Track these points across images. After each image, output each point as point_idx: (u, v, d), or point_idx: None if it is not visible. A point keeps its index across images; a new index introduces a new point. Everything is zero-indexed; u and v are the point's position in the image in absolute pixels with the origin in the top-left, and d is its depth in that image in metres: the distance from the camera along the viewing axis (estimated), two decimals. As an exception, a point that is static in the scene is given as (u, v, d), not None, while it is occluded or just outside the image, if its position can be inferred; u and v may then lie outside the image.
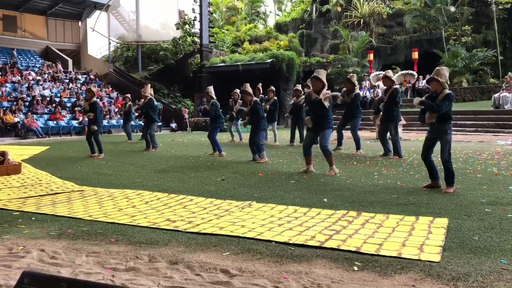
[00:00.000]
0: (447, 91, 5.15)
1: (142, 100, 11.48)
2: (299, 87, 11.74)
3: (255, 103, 8.23)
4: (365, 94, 20.08)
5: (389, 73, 8.90)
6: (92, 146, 9.41)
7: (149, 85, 12.09)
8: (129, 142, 13.68)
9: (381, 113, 8.74)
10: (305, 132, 11.76)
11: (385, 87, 9.05)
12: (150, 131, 10.89)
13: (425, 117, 5.22)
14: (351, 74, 10.49)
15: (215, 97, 9.47)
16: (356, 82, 9.73)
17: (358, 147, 9.25)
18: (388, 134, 8.65)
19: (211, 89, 9.62)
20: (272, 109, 12.05)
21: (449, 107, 5.11)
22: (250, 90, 8.46)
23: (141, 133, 12.72)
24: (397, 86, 8.73)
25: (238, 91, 11.95)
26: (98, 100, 10.51)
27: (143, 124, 12.73)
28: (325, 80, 6.54)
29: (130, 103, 14.48)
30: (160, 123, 21.54)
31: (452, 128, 5.37)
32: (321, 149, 6.66)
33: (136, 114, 15.39)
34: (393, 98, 8.39)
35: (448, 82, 5.26)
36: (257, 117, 8.18)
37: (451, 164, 5.13)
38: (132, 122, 15.20)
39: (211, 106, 9.31)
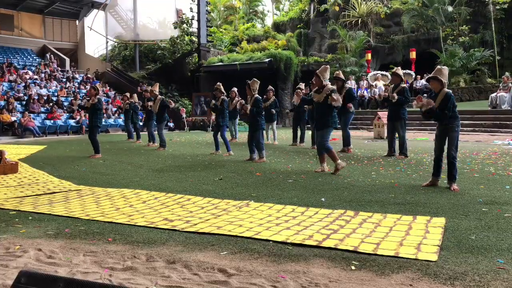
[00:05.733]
0: (445, 90, 5.24)
1: (149, 99, 11.51)
2: (302, 85, 11.52)
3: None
4: (363, 93, 20.12)
5: (399, 70, 8.69)
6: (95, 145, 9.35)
7: (158, 84, 11.96)
8: (131, 141, 13.76)
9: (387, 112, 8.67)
10: (307, 132, 11.80)
11: (392, 85, 8.88)
12: (159, 130, 11.05)
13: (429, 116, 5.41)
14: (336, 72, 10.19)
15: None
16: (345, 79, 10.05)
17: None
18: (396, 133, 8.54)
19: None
20: (271, 109, 11.98)
21: (452, 107, 5.19)
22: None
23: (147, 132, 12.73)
24: (405, 85, 8.59)
25: (235, 89, 11.95)
26: (102, 98, 10.37)
27: (142, 122, 12.75)
28: (325, 77, 6.53)
29: (129, 101, 14.39)
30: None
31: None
32: (321, 146, 6.65)
33: (143, 114, 15.15)
34: (402, 96, 8.25)
35: (447, 82, 5.33)
36: (254, 116, 8.16)
37: (456, 160, 5.29)
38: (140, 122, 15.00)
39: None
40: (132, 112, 14.23)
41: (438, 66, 5.49)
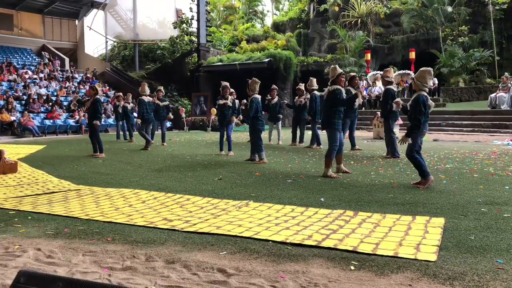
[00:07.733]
0: (419, 92, 5.39)
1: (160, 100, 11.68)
2: (301, 86, 11.51)
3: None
4: (362, 93, 20.13)
5: (388, 73, 8.88)
6: (94, 145, 9.31)
7: (146, 84, 11.82)
8: (122, 141, 13.85)
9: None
10: (307, 132, 11.74)
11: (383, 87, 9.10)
12: (146, 129, 11.23)
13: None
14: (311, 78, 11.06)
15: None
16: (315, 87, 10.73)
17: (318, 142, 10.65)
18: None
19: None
20: (276, 108, 11.87)
21: (419, 111, 5.28)
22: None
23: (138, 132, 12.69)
24: (391, 86, 8.71)
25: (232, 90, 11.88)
26: (101, 98, 10.24)
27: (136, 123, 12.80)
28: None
29: (121, 103, 14.39)
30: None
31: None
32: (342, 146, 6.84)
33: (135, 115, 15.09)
34: (386, 98, 8.45)
35: (426, 84, 5.42)
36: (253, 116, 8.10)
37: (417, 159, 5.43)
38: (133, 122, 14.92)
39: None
40: (124, 113, 14.18)
41: (421, 68, 5.60)
